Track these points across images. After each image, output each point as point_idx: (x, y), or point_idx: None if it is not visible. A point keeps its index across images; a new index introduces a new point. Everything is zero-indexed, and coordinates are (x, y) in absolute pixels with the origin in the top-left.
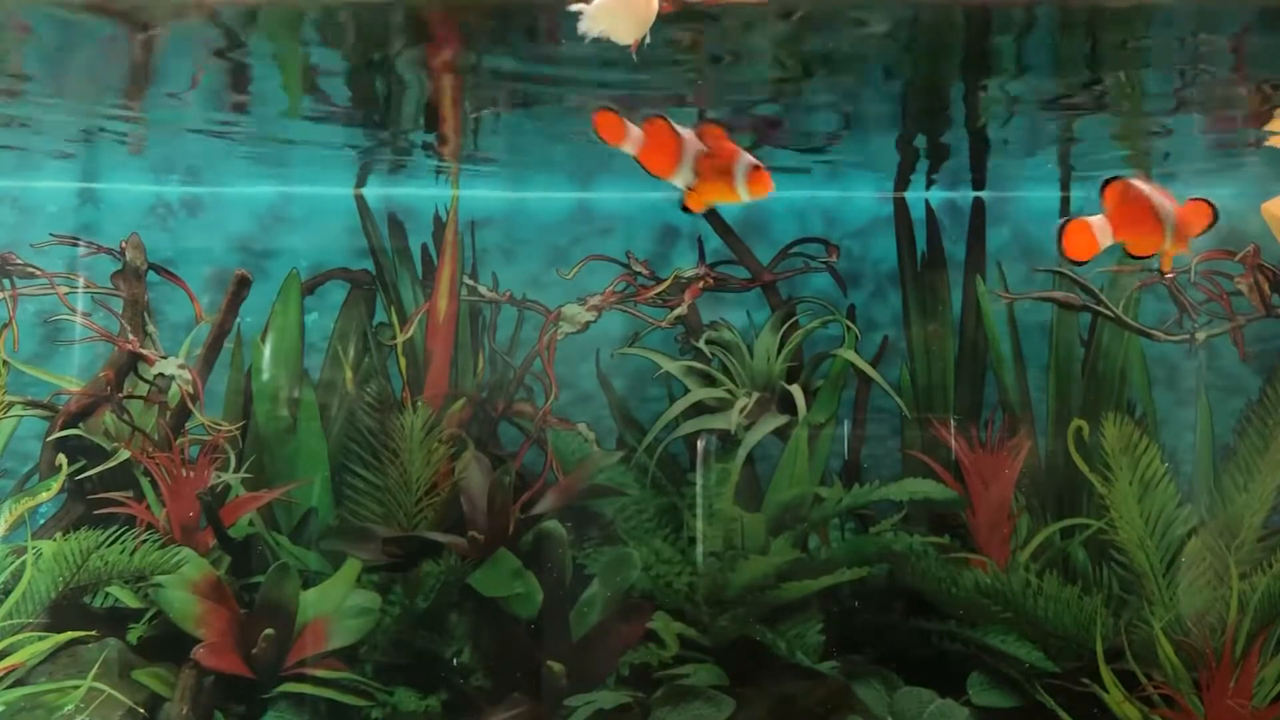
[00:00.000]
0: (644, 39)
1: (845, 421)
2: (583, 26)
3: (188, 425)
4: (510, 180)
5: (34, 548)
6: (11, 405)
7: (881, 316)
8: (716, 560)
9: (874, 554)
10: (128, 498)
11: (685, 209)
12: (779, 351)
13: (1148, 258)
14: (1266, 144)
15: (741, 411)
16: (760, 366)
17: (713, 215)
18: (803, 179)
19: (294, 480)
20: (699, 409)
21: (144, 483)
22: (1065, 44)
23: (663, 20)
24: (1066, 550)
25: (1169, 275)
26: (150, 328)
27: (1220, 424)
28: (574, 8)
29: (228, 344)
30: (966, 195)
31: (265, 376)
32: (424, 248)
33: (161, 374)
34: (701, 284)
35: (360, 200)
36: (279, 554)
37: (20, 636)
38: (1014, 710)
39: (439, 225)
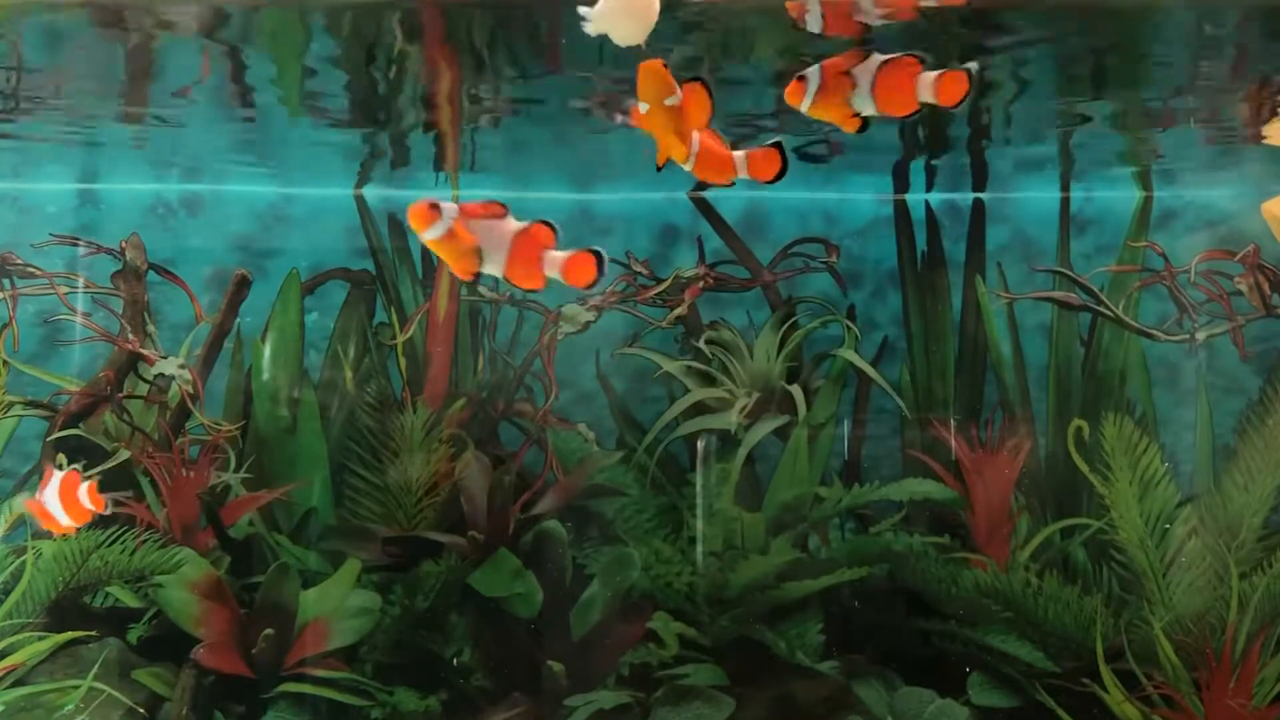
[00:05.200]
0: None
1: (845, 421)
2: (587, 28)
3: (188, 425)
4: (510, 180)
5: (34, 548)
6: (11, 405)
7: (881, 316)
8: (716, 560)
9: (874, 554)
10: (128, 498)
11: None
12: (779, 351)
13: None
14: (1265, 142)
15: (741, 411)
16: (760, 366)
17: (713, 215)
18: (803, 180)
19: (294, 480)
20: (699, 409)
21: (144, 483)
22: (1066, 44)
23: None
24: (1066, 550)
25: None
26: (150, 328)
27: (1220, 424)
28: (578, 10)
29: (228, 344)
30: (966, 196)
31: (265, 376)
32: (424, 248)
33: (161, 374)
34: (701, 284)
35: (360, 200)
36: (279, 554)
37: (20, 636)
38: (1014, 710)
39: None
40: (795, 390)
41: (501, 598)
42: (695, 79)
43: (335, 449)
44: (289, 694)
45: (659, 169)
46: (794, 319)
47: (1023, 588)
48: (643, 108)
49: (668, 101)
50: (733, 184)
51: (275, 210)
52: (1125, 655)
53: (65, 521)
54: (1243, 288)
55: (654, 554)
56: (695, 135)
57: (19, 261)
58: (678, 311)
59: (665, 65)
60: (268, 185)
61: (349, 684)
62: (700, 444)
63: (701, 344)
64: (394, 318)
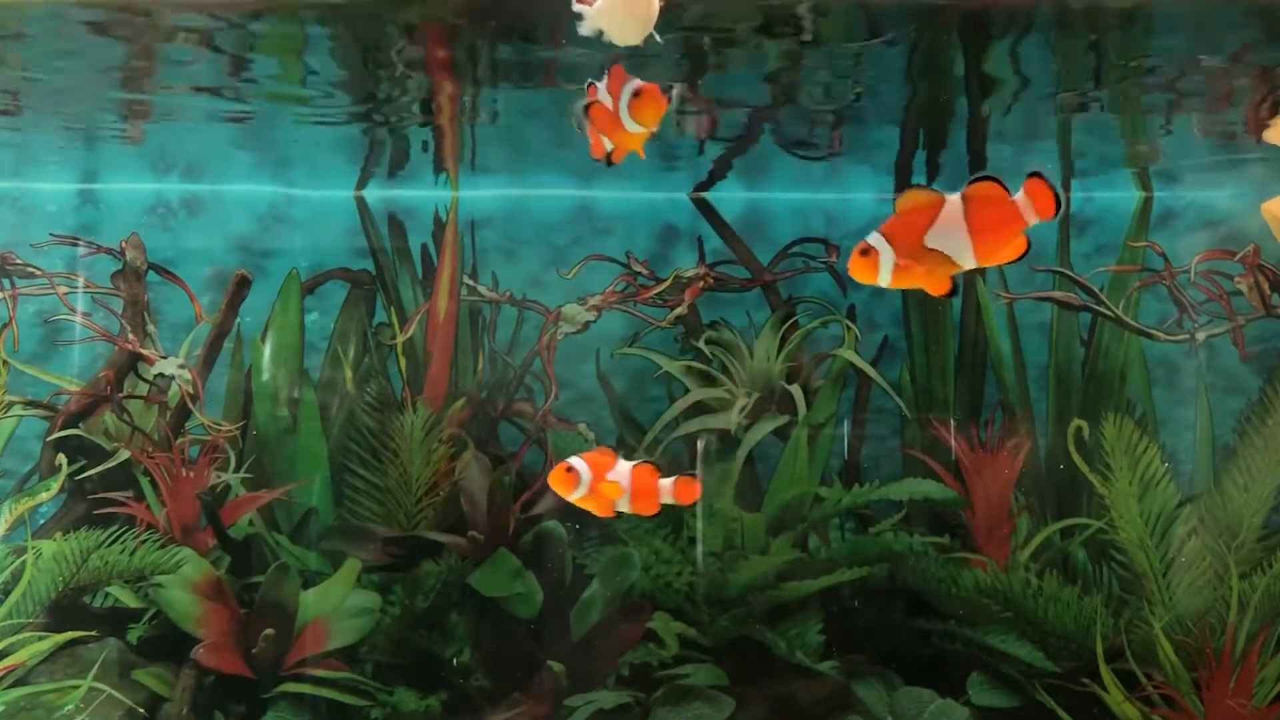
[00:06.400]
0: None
1: (845, 421)
2: (584, 27)
3: (188, 425)
4: (510, 180)
5: (34, 548)
6: (11, 405)
7: (881, 316)
8: (716, 560)
9: (874, 554)
10: (128, 498)
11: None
12: (779, 351)
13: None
14: (1265, 139)
15: (741, 411)
16: (760, 366)
17: (713, 215)
18: (803, 180)
19: (294, 480)
20: (699, 409)
21: (144, 483)
22: (1065, 44)
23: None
24: (1066, 550)
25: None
26: (150, 328)
27: (1220, 424)
28: (575, 8)
29: (228, 344)
30: None
31: (265, 376)
32: (424, 248)
33: (161, 374)
34: (701, 284)
35: (360, 200)
36: (279, 554)
37: (20, 636)
38: (1014, 710)
39: (439, 225)
40: (795, 390)
41: (501, 598)
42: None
43: (335, 449)
44: (289, 694)
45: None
46: (794, 319)
47: (1023, 588)
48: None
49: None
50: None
51: (275, 210)
52: (1125, 655)
53: None
54: (1243, 288)
55: (654, 554)
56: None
57: (19, 261)
58: (678, 311)
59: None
60: (268, 185)
61: (349, 684)
62: (700, 444)
63: (701, 344)
64: (394, 318)
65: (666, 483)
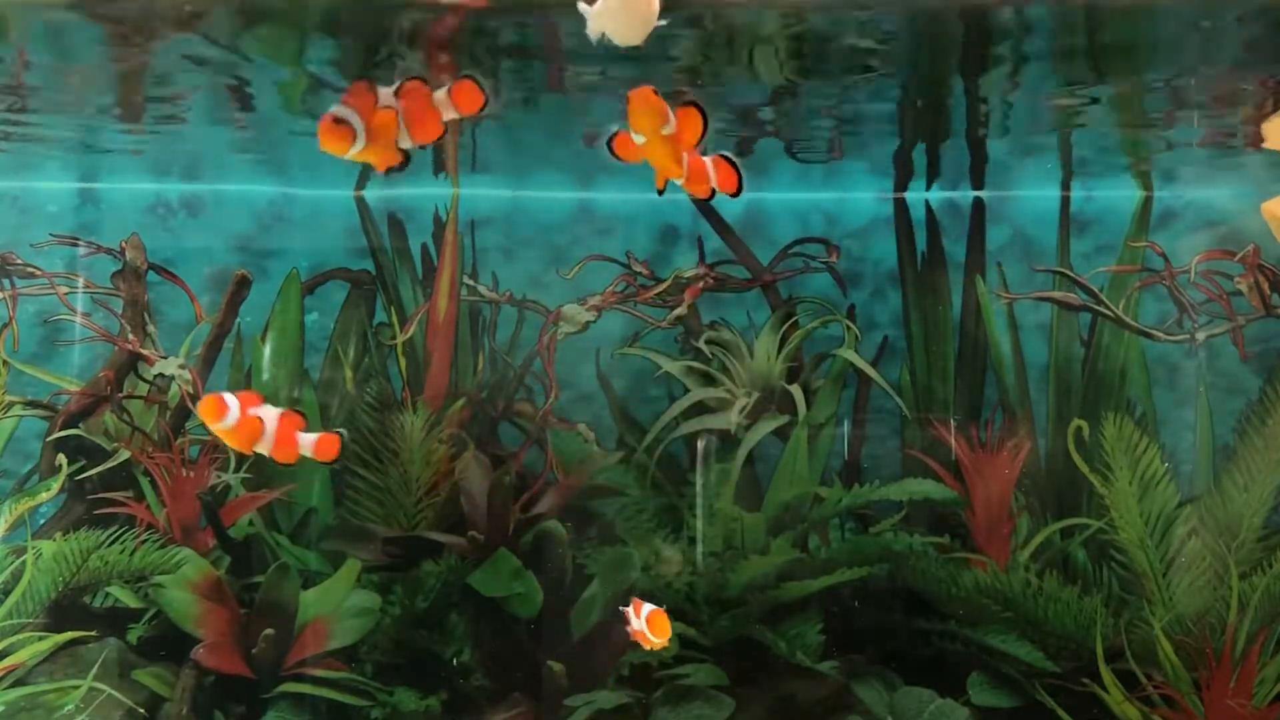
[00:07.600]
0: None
1: (845, 421)
2: (587, 31)
3: (188, 425)
4: (510, 180)
5: (34, 548)
6: (11, 405)
7: (881, 316)
8: (716, 560)
9: (874, 554)
10: (128, 498)
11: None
12: (779, 351)
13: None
14: (1264, 144)
15: (741, 411)
16: (760, 366)
17: (713, 215)
18: (803, 179)
19: (294, 480)
20: (699, 409)
21: (144, 483)
22: (1064, 43)
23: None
24: (1066, 550)
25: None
26: (150, 328)
27: (1220, 424)
28: (579, 8)
29: (228, 344)
30: (966, 195)
31: (265, 376)
32: (424, 248)
33: (161, 374)
34: (701, 284)
35: (360, 200)
36: (279, 554)
37: (20, 636)
38: (1014, 710)
39: (439, 225)
40: (795, 390)
41: (501, 598)
42: (689, 103)
43: None
44: (289, 694)
45: (660, 193)
46: (794, 319)
47: (1023, 588)
48: (638, 139)
49: (664, 131)
50: (712, 195)
51: (275, 210)
52: (1125, 655)
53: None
54: (1243, 288)
55: (654, 554)
56: (685, 156)
57: (19, 261)
58: (678, 311)
59: (655, 91)
60: (268, 185)
61: (349, 684)
62: (700, 444)
63: (701, 344)
64: (394, 318)
65: (308, 438)
